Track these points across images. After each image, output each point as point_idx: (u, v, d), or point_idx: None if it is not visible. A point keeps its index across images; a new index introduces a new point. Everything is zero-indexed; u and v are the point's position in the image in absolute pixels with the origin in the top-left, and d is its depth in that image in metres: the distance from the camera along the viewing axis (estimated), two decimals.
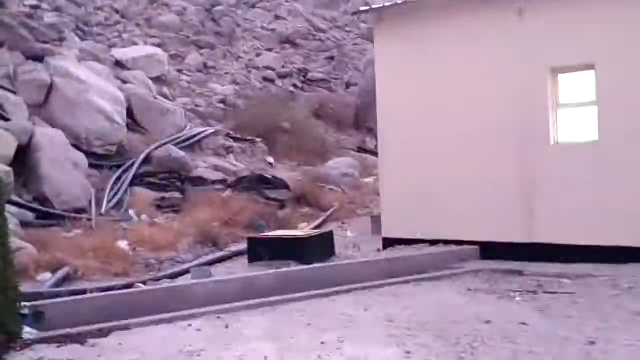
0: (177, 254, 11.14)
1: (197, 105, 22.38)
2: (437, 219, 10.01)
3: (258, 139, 19.40)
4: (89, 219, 12.46)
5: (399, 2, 10.44)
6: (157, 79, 21.89)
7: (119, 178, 14.57)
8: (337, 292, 7.70)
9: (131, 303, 7.14)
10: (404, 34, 10.47)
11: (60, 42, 18.90)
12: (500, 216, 9.58)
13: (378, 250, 10.48)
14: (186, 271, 9.65)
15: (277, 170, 18.23)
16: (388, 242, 10.40)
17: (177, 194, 14.52)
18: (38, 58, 16.17)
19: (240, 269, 9.61)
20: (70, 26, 23.17)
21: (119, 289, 8.28)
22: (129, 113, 17.20)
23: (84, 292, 8.00)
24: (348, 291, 7.76)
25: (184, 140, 17.01)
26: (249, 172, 16.64)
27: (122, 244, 11.25)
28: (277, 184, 14.84)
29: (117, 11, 28.29)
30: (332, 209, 14.49)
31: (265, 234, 10.11)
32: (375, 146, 26.69)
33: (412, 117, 10.40)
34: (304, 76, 28.24)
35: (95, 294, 7.78)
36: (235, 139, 18.83)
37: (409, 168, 10.33)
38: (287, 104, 22.70)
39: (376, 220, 12.51)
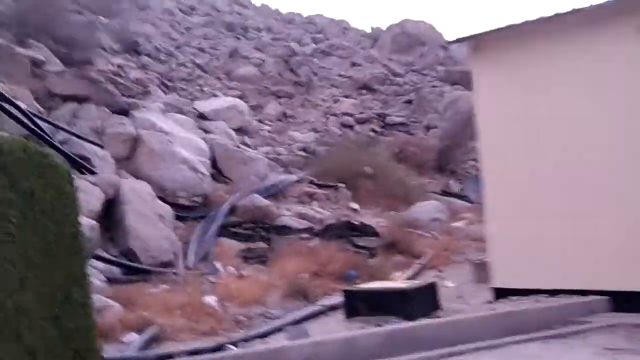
0: (266, 308, 10.26)
1: (278, 154, 21.80)
2: (557, 265, 8.76)
3: (341, 185, 18.54)
4: (176, 274, 11.77)
5: (501, 26, 9.36)
6: (238, 130, 21.48)
7: (204, 229, 13.92)
8: (450, 355, 6.61)
9: None
10: (506, 61, 9.42)
11: (144, 96, 18.69)
12: (637, 260, 8.26)
13: (489, 302, 9.30)
14: (278, 329, 8.72)
15: (362, 216, 17.28)
16: (500, 293, 9.20)
17: (262, 244, 13.73)
18: (124, 112, 15.91)
19: (337, 326, 8.61)
20: (154, 82, 23.16)
21: (208, 352, 7.40)
22: (213, 163, 16.69)
23: (170, 356, 7.17)
24: (462, 353, 6.66)
25: (267, 189, 16.32)
26: (335, 219, 15.74)
27: (210, 299, 10.45)
28: (366, 231, 13.86)
29: (198, 66, 28.33)
30: (426, 257, 13.37)
31: (362, 286, 9.10)
32: (461, 189, 25.68)
33: (523, 153, 9.26)
34: (383, 121, 27.42)
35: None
36: (319, 186, 18.03)
37: (522, 208, 9.16)
38: (368, 149, 21.82)
39: (480, 268, 11.34)
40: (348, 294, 8.95)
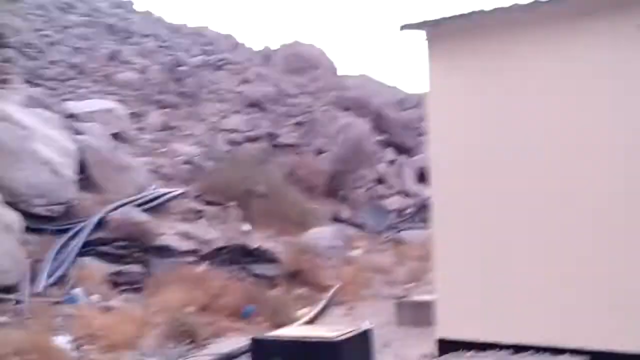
0: (140, 356, 7.39)
1: (159, 166, 18.71)
2: (523, 314, 6.55)
3: (231, 203, 15.80)
4: (19, 302, 8.62)
5: (466, 13, 7.10)
6: (115, 136, 18.21)
7: (64, 246, 10.77)
8: None
9: None
10: (467, 52, 7.19)
11: (3, 84, 15.17)
12: (625, 313, 6.18)
13: (431, 359, 6.92)
14: None
15: (254, 239, 14.57)
16: (445, 346, 6.86)
17: (137, 268, 10.77)
18: None
19: None
20: (19, 76, 19.48)
21: None
22: (82, 168, 13.48)
23: None
24: None
25: (146, 202, 13.30)
26: (225, 241, 12.99)
27: (63, 340, 7.45)
28: (264, 256, 11.24)
29: (73, 66, 24.70)
30: (333, 290, 10.92)
31: (277, 332, 6.43)
32: (350, 217, 23.60)
33: (484, 165, 7.00)
34: (273, 141, 24.95)
35: None
36: (206, 203, 15.21)
37: (481, 236, 6.88)
38: (261, 167, 19.23)
39: (402, 308, 9.03)
40: (258, 345, 6.26)
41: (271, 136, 24.97)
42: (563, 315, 6.44)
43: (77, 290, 9.36)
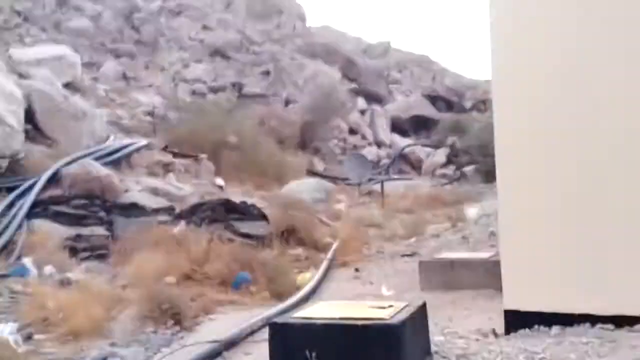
0: (111, 345, 5.46)
1: (119, 118, 16.47)
2: (623, 278, 4.84)
3: (203, 156, 13.75)
4: None
5: None
6: (67, 86, 15.82)
7: (9, 207, 8.66)
8: None
9: None
10: None
11: None
12: None
13: (495, 334, 5.19)
14: None
15: (230, 194, 12.62)
16: (515, 320, 5.12)
17: (101, 230, 8.73)
18: None
19: None
20: None
21: None
22: (30, 117, 11.23)
23: None
24: None
25: (107, 155, 11.17)
26: (200, 197, 11.03)
27: (7, 329, 5.46)
28: (250, 213, 9.30)
29: (18, 13, 21.95)
30: (333, 249, 9.10)
31: (305, 314, 4.57)
32: (325, 169, 21.75)
33: (568, 122, 5.03)
34: (239, 91, 22.79)
35: None
36: (175, 155, 13.11)
37: (563, 193, 5.03)
38: (230, 117, 17.12)
39: (429, 269, 7.27)
40: (278, 331, 4.39)
41: (236, 86, 22.84)
42: None
43: (26, 261, 7.30)
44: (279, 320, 4.49)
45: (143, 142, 12.46)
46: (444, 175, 20.03)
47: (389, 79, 27.33)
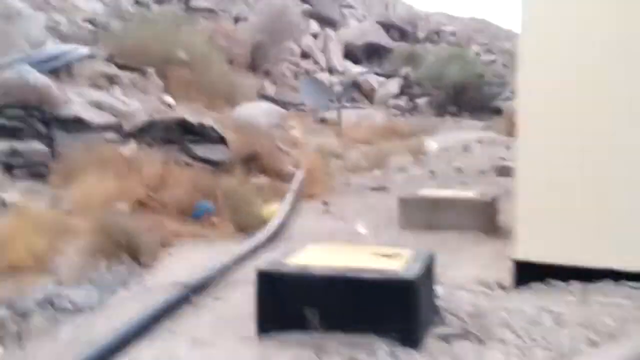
0: (56, 283, 4.58)
1: (56, 23, 14.81)
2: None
3: (150, 70, 12.48)
4: None
5: None
6: None
7: None
8: None
9: None
10: None
11: None
12: None
13: (503, 287, 4.57)
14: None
15: (181, 114, 11.51)
16: (528, 272, 4.50)
17: (40, 146, 7.63)
18: None
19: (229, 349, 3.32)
20: None
21: None
22: None
23: None
24: None
25: (45, 61, 9.82)
26: (148, 114, 9.92)
27: None
28: (209, 136, 8.34)
29: None
30: (299, 179, 8.30)
31: (300, 262, 3.76)
32: (276, 93, 20.65)
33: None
34: (186, 3, 21.17)
35: None
36: (120, 67, 11.79)
37: (580, 129, 4.35)
38: (178, 30, 15.69)
39: (410, 207, 6.61)
40: (268, 282, 3.60)
41: None
42: None
43: None
44: (270, 268, 3.70)
45: (85, 50, 11.09)
46: (397, 106, 19.36)
47: (342, 2, 26.06)
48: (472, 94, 18.97)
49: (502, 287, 4.50)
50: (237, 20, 21.80)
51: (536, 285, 4.35)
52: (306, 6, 23.64)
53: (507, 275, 4.51)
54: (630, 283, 4.09)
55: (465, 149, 12.16)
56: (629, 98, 4.17)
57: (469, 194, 6.62)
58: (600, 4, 4.25)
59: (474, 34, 26.78)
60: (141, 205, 6.32)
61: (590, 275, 4.24)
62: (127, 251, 5.17)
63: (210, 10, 21.06)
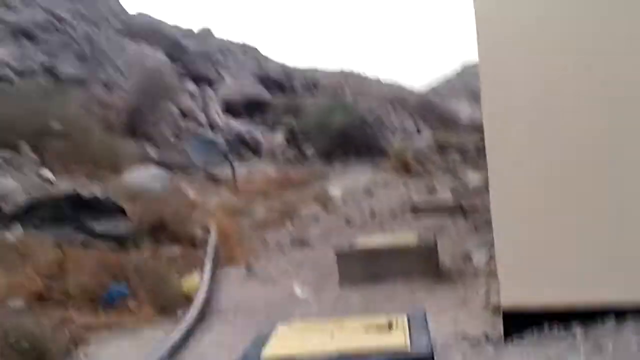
0: None
1: None
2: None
3: (24, 145, 11.20)
4: None
5: None
6: None
7: None
8: None
9: None
10: None
11: None
12: None
13: (488, 339, 3.99)
14: None
15: (63, 189, 10.30)
16: (514, 321, 3.95)
17: None
18: None
19: None
20: None
21: None
22: None
23: None
24: None
25: None
26: (26, 192, 8.71)
27: None
28: (105, 208, 7.33)
29: None
30: (212, 244, 7.46)
31: (285, 353, 2.94)
32: (160, 155, 19.48)
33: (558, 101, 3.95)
34: (53, 75, 19.72)
35: None
36: None
37: (562, 177, 3.91)
38: (50, 101, 14.42)
39: (350, 261, 5.98)
40: None
41: (49, 70, 19.75)
42: None
43: None
44: None
45: None
46: (286, 157, 18.92)
47: (216, 63, 25.55)
48: (357, 139, 18.93)
49: (490, 340, 3.95)
50: (107, 86, 20.63)
51: (532, 337, 3.79)
52: (180, 68, 22.93)
53: (489, 327, 3.98)
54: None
55: (367, 192, 11.82)
56: (601, 130, 3.82)
57: (407, 239, 6.12)
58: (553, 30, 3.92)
59: (346, 84, 27.19)
60: (39, 298, 5.25)
61: (592, 314, 3.77)
62: (31, 357, 4.15)
63: (79, 79, 19.77)
